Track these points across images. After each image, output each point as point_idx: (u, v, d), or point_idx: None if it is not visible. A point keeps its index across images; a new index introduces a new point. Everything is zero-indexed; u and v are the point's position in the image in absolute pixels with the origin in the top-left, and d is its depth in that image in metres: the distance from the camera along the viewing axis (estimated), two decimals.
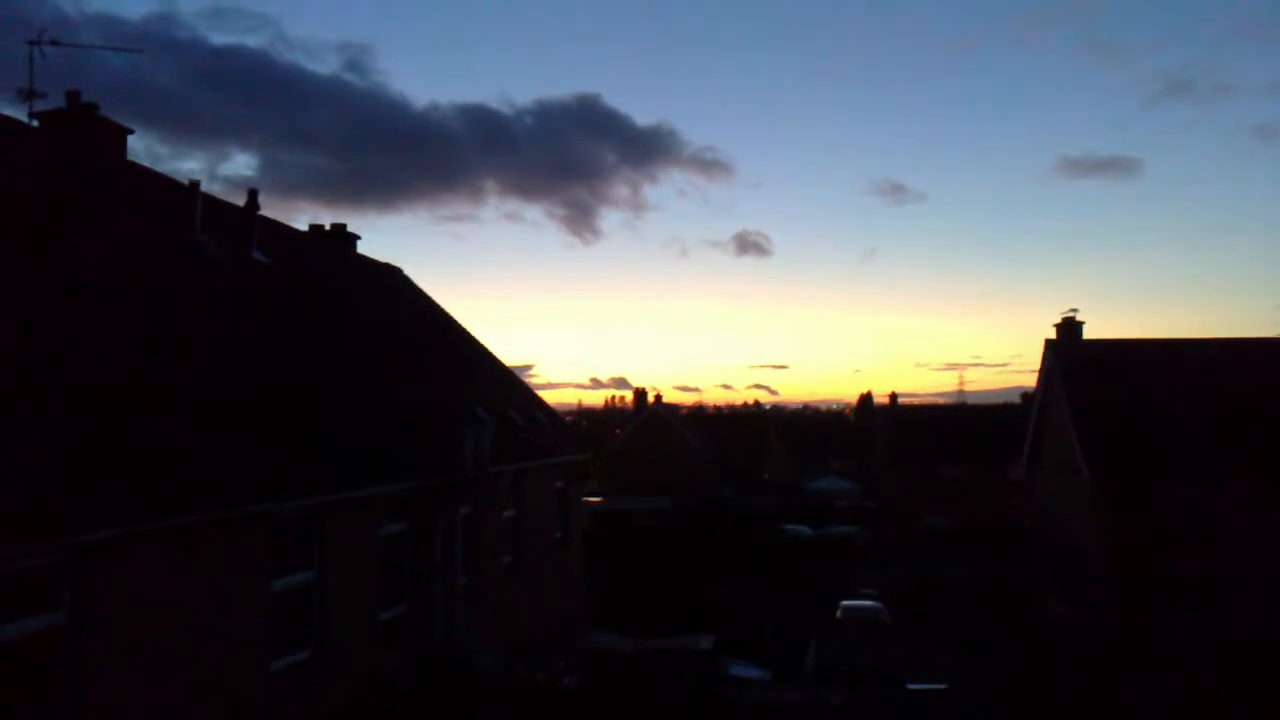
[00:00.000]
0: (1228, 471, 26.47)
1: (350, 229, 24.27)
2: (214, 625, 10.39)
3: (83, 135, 15.53)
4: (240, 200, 18.87)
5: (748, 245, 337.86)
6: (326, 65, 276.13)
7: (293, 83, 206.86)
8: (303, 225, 23.45)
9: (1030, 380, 44.17)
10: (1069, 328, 32.77)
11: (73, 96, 15.44)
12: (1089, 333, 32.86)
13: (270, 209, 18.86)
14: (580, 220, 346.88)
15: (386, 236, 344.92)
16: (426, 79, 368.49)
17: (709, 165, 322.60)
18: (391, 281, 26.11)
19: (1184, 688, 21.26)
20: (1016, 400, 79.80)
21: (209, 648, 10.31)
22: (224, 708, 10.53)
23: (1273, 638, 23.17)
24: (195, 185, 16.66)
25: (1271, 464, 26.17)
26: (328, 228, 23.85)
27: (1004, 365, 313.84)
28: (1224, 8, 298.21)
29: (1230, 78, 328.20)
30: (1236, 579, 24.77)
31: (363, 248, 24.77)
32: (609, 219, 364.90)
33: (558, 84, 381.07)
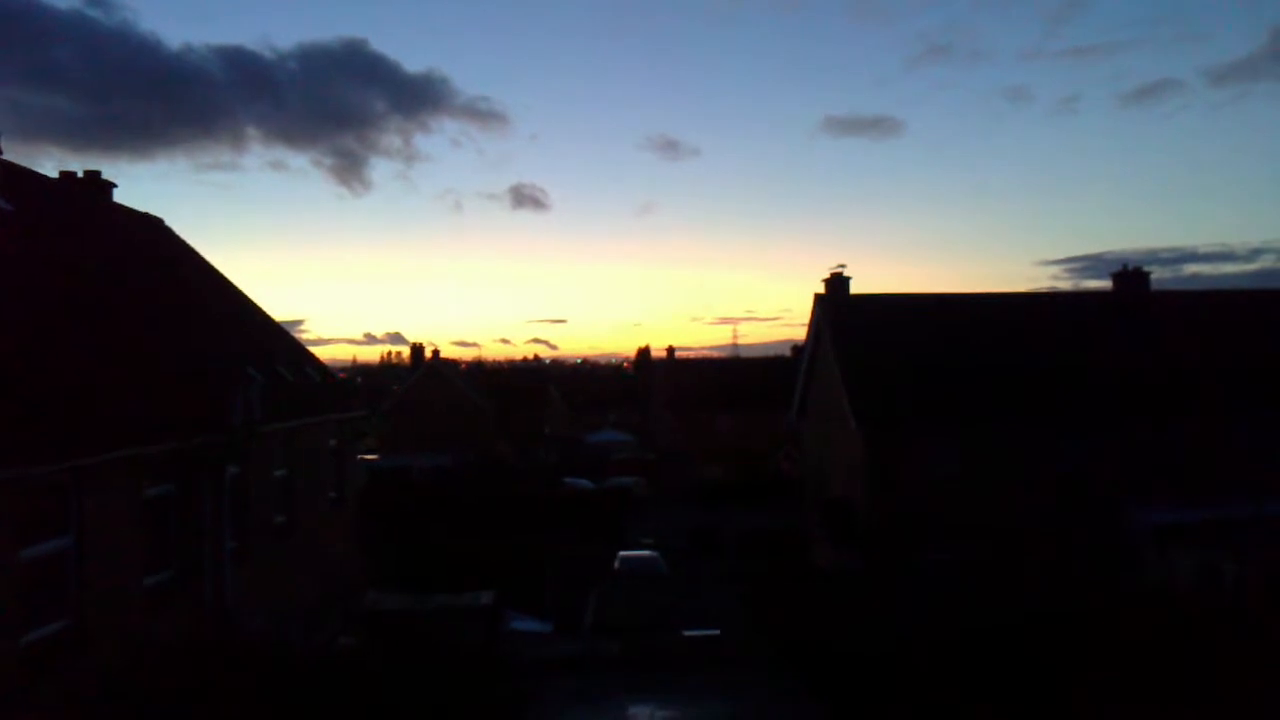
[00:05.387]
0: (988, 420, 27.95)
1: (104, 177, 22.93)
2: None
3: None
4: None
5: (524, 199, 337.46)
6: None
7: (28, 16, 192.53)
8: (51, 173, 21.97)
9: (800, 334, 45.67)
10: (837, 282, 33.68)
11: None
12: (856, 287, 33.88)
13: (12, 154, 17.57)
14: (349, 170, 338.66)
15: (144, 185, 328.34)
16: (178, 18, 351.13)
17: (483, 115, 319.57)
18: (152, 233, 24.79)
19: (939, 623, 22.52)
20: (787, 353, 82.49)
21: None
22: None
23: (1025, 576, 24.76)
24: None
25: (1028, 412, 27.79)
26: (80, 175, 22.46)
27: (775, 319, 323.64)
28: None
29: (985, 43, 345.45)
30: (996, 523, 26.24)
31: (119, 197, 23.43)
32: (380, 169, 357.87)
33: (321, 27, 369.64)
